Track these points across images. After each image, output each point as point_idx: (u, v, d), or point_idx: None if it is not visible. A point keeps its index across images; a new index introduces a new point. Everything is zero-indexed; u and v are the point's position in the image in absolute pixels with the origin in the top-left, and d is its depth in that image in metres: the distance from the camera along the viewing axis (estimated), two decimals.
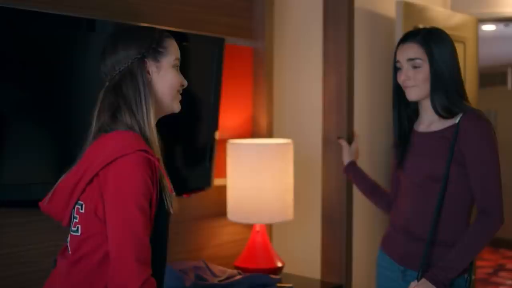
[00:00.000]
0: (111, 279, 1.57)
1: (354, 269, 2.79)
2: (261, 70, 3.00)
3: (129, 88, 1.70)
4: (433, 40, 2.20)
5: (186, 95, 2.63)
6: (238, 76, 2.98)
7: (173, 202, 1.72)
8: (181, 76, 1.83)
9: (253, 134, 3.03)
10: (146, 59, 1.74)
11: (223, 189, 2.83)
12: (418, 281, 2.12)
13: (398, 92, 2.31)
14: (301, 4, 3.33)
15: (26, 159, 2.10)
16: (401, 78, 2.25)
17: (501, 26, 5.39)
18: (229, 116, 2.93)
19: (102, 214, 1.62)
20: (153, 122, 1.72)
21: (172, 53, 1.79)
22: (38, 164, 2.14)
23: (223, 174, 2.83)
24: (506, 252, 7.88)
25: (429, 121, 2.27)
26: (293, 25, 3.29)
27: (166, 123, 2.44)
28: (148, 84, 1.73)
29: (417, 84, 2.21)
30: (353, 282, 3.02)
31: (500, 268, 7.07)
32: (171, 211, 1.73)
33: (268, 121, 3.00)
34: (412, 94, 2.24)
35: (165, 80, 1.77)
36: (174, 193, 1.73)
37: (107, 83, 1.75)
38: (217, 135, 2.74)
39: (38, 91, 2.12)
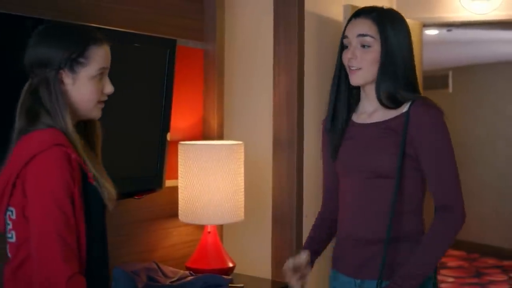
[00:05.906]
0: (35, 278, 1.56)
1: None
2: (212, 72, 3.01)
3: (45, 94, 1.68)
4: (389, 20, 1.95)
5: (138, 97, 2.64)
6: (189, 77, 2.98)
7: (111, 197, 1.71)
8: (106, 83, 1.77)
9: (204, 135, 3.04)
10: (61, 70, 1.69)
11: (175, 190, 2.83)
12: None
13: (341, 75, 2.03)
14: (252, 6, 3.36)
15: None
16: (347, 56, 1.96)
17: (444, 30, 5.53)
18: (180, 117, 2.93)
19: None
20: (70, 126, 1.68)
21: (94, 63, 1.72)
22: None
23: (176, 176, 2.83)
24: (449, 250, 8.09)
25: (371, 110, 2.02)
26: (244, 27, 3.31)
27: (116, 124, 2.45)
28: (64, 94, 1.70)
29: (362, 67, 1.94)
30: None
31: (442, 266, 7.25)
32: (109, 205, 1.72)
33: (219, 123, 3.02)
34: (355, 78, 1.97)
35: (80, 93, 1.72)
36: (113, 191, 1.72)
37: (28, 82, 1.72)
38: (169, 136, 2.74)
39: None
